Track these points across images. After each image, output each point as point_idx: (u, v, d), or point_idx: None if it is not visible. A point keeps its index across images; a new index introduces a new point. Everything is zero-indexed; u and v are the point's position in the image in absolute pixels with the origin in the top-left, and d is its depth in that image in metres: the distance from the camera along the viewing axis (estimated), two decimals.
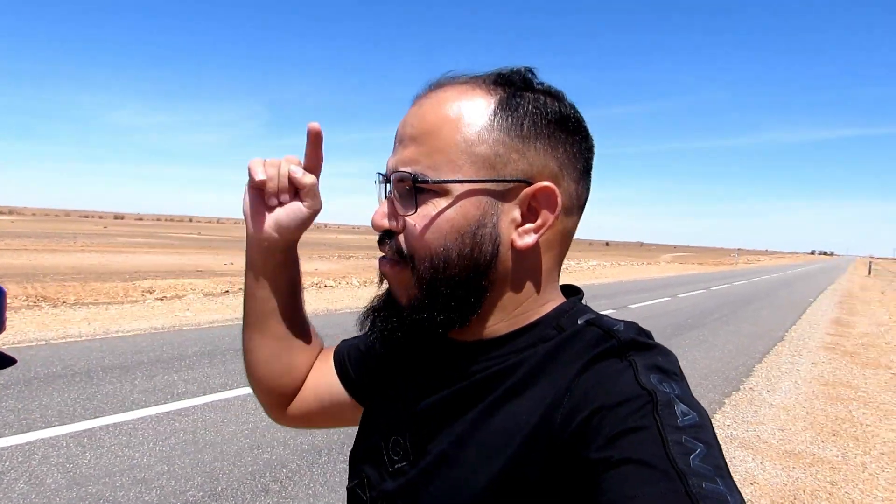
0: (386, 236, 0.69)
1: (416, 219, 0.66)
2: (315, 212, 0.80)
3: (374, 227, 0.69)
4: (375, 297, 0.74)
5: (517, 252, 0.67)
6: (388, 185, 0.69)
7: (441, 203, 0.65)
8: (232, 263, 21.46)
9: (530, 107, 0.67)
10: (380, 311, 0.71)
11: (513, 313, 0.69)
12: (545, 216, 0.67)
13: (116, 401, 4.85)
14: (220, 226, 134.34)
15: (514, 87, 0.68)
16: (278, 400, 0.93)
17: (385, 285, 0.73)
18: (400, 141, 0.69)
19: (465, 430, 0.65)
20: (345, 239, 67.03)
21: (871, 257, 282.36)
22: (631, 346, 0.60)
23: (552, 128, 0.67)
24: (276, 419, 0.96)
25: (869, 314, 16.11)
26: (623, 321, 0.66)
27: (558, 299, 0.72)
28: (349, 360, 0.91)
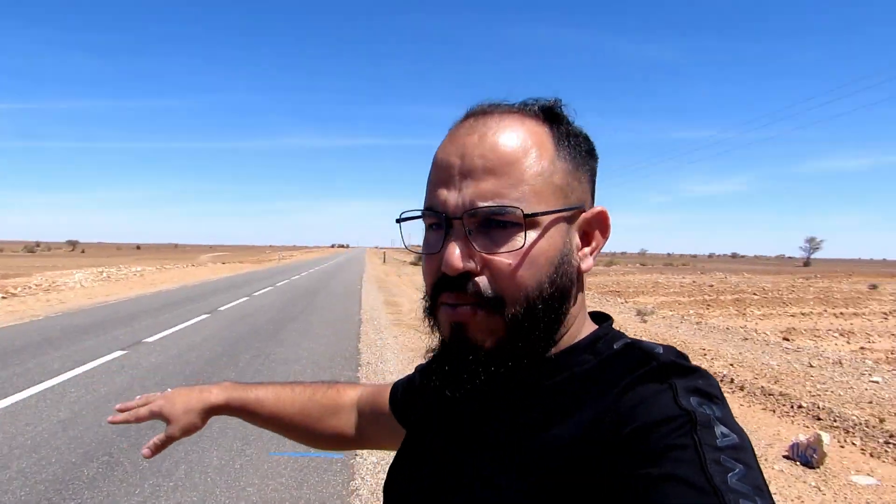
0: (462, 279, 0.64)
1: (510, 256, 0.63)
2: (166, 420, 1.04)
3: (451, 270, 0.64)
4: (435, 352, 0.71)
5: (579, 276, 0.70)
6: (447, 224, 0.65)
7: (532, 235, 0.64)
8: None
9: (574, 138, 0.70)
10: (449, 363, 0.67)
11: (559, 338, 0.69)
12: (598, 239, 0.71)
13: None
14: None
15: (559, 118, 0.70)
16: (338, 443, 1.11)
17: (437, 338, 0.71)
18: (468, 173, 0.65)
19: (506, 454, 0.65)
20: None
21: (377, 248, 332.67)
22: (671, 368, 0.60)
23: (587, 157, 0.71)
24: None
25: (404, 294, 19.80)
26: (662, 345, 0.65)
27: (589, 322, 0.74)
28: (402, 393, 1.00)
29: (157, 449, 1.03)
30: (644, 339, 0.69)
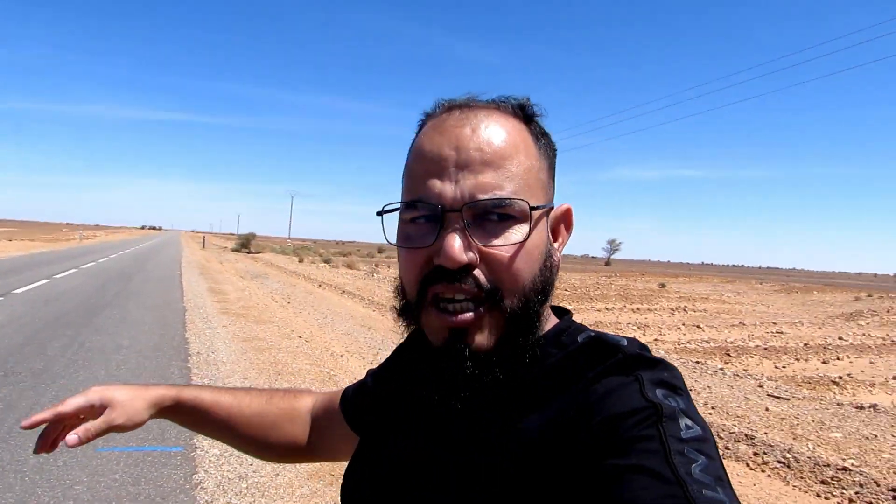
0: (460, 273, 0.62)
1: (507, 248, 0.63)
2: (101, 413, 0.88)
3: (452, 262, 0.61)
4: (418, 358, 0.71)
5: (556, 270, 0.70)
6: (443, 216, 0.63)
7: (525, 228, 0.64)
8: None
9: (545, 137, 0.72)
10: (445, 370, 0.65)
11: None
12: (564, 235, 0.73)
13: None
14: None
15: (532, 117, 0.71)
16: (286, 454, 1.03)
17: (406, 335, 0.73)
18: (465, 165, 0.63)
19: (481, 448, 0.64)
20: None
21: (195, 231, 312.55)
22: (637, 360, 0.62)
23: (553, 156, 0.72)
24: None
25: (229, 282, 18.89)
26: (626, 337, 0.67)
27: (552, 315, 0.74)
28: (353, 396, 0.95)
29: (90, 437, 0.86)
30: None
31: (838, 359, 11.97)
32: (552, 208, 0.71)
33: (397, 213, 0.70)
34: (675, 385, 0.60)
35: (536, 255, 0.66)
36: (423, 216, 0.66)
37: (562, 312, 0.77)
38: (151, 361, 7.08)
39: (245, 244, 51.48)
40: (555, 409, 0.62)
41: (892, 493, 4.41)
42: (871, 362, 11.74)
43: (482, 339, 0.65)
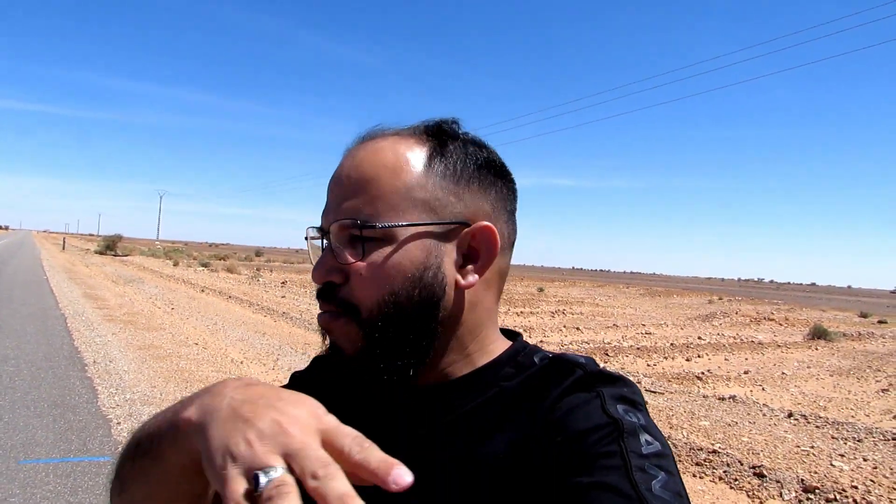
0: (327, 289, 0.67)
1: (362, 267, 0.65)
2: None
3: (314, 279, 0.68)
4: (322, 351, 0.73)
5: (463, 292, 0.69)
6: (323, 238, 0.69)
7: (386, 249, 0.65)
8: None
9: (461, 153, 0.70)
10: (325, 362, 0.71)
11: (466, 353, 0.70)
12: (485, 255, 0.69)
13: None
14: None
15: (444, 135, 0.71)
16: None
17: (328, 339, 0.71)
18: (339, 192, 0.68)
19: (436, 478, 0.63)
20: None
21: (48, 231, 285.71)
22: (598, 377, 0.63)
23: (482, 172, 0.71)
24: None
25: (104, 287, 17.89)
26: (584, 356, 0.68)
27: (502, 338, 0.75)
28: None
29: None
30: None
31: (699, 356, 13.19)
32: (461, 226, 0.69)
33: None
34: (634, 401, 0.62)
35: (394, 274, 0.65)
36: (318, 239, 0.73)
37: (512, 335, 0.77)
38: (47, 373, 6.75)
39: (111, 246, 48.04)
40: (519, 429, 0.63)
41: (752, 470, 5.19)
42: (726, 359, 13.13)
43: (342, 341, 0.68)
